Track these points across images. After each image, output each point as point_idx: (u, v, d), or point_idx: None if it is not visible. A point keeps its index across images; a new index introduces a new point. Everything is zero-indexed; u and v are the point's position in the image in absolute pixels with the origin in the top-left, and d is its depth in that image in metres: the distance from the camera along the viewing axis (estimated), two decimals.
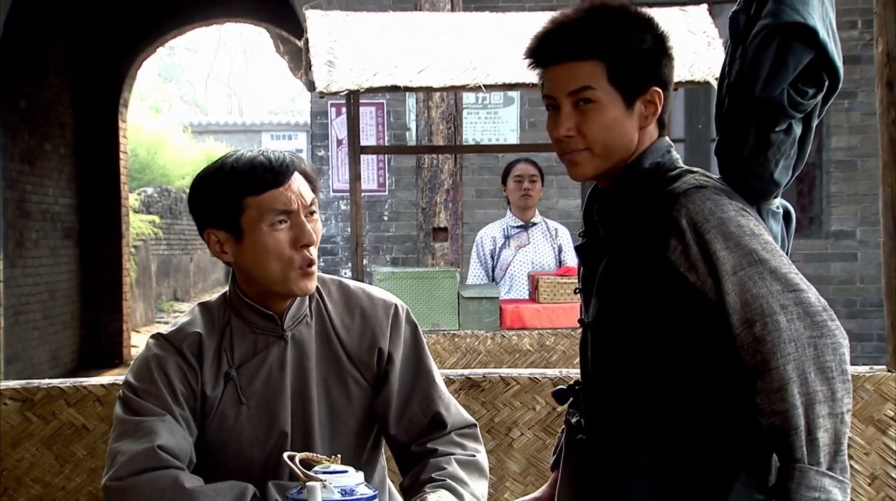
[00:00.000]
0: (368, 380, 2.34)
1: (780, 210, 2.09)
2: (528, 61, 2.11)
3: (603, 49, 2.00)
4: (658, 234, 1.95)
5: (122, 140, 13.33)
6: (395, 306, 2.39)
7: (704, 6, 5.55)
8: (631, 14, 2.04)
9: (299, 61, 12.47)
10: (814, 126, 2.06)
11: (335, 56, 5.11)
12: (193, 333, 2.30)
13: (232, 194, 2.20)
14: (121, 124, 13.33)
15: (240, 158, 2.23)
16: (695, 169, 2.04)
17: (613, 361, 2.07)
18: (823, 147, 8.88)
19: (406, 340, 2.37)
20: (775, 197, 2.06)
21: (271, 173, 2.19)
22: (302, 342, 2.31)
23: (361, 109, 7.16)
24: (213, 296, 2.42)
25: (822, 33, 1.96)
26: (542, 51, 2.07)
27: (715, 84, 4.77)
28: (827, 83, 2.03)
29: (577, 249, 2.20)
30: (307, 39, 5.29)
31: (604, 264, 2.07)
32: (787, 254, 2.06)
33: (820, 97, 2.03)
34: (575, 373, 3.22)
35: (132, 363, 2.33)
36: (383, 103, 8.94)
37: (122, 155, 13.30)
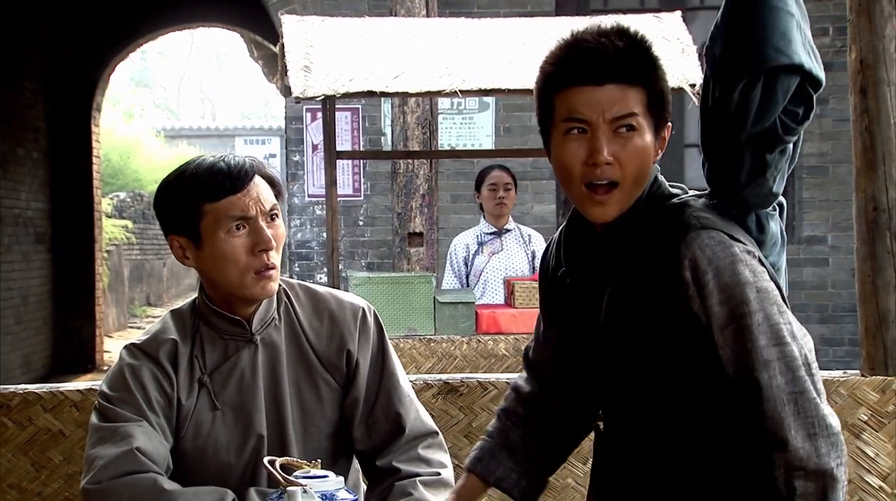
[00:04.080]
0: (339, 382, 2.35)
1: (776, 211, 2.05)
2: (550, 77, 1.97)
3: (649, 77, 1.93)
4: (665, 279, 1.89)
5: (95, 145, 13.25)
6: (363, 309, 2.41)
7: (678, 13, 5.58)
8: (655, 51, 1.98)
9: (274, 66, 12.45)
10: (802, 131, 2.02)
11: (311, 61, 5.11)
12: (168, 340, 2.30)
13: (191, 201, 2.22)
14: (94, 129, 13.25)
15: (200, 165, 2.24)
16: (690, 201, 1.99)
17: (635, 397, 2.02)
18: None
19: (373, 343, 2.39)
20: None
21: (229, 180, 2.20)
22: (272, 346, 2.32)
23: (337, 114, 7.16)
24: (184, 302, 2.43)
25: (807, 62, 1.91)
26: (581, 69, 1.93)
27: (689, 90, 4.80)
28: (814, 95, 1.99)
29: (562, 275, 2.13)
30: (283, 45, 5.28)
31: (608, 297, 2.00)
32: (783, 243, 2.06)
33: (812, 114, 1.99)
34: None
35: (107, 373, 2.33)
36: (359, 108, 8.94)
37: (95, 160, 13.22)
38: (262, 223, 2.22)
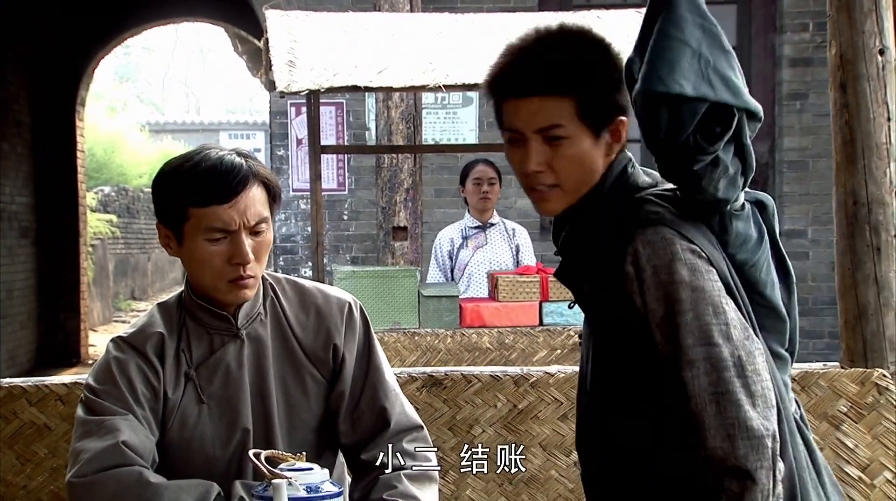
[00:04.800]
0: (325, 376, 2.35)
1: (745, 210, 2.05)
2: (489, 87, 2.02)
3: (575, 86, 1.94)
4: (613, 273, 1.95)
5: (79, 139, 13.20)
6: (349, 303, 2.41)
7: None
8: (598, 45, 1.99)
9: (258, 61, 12.41)
10: (748, 141, 2.00)
11: (295, 56, 5.09)
12: (155, 333, 2.30)
13: (179, 200, 2.21)
14: (78, 123, 13.20)
15: (200, 162, 2.21)
16: (656, 192, 2.01)
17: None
18: (776, 148, 8.98)
19: (359, 337, 2.39)
20: (735, 201, 2.01)
21: (218, 191, 2.18)
22: (258, 340, 2.32)
23: (321, 108, 7.14)
24: (170, 296, 2.42)
25: (696, 90, 1.90)
26: (505, 83, 1.99)
27: None
28: (740, 116, 1.96)
29: (556, 274, 2.16)
30: (267, 39, 5.27)
31: (578, 287, 2.07)
32: (770, 241, 2.07)
33: (730, 133, 1.95)
34: (536, 371, 3.24)
35: (93, 366, 2.32)
36: (343, 103, 8.92)
37: (79, 154, 13.17)
38: (244, 237, 2.20)
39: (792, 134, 8.83)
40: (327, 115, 8.81)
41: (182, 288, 2.38)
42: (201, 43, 39.54)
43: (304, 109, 8.47)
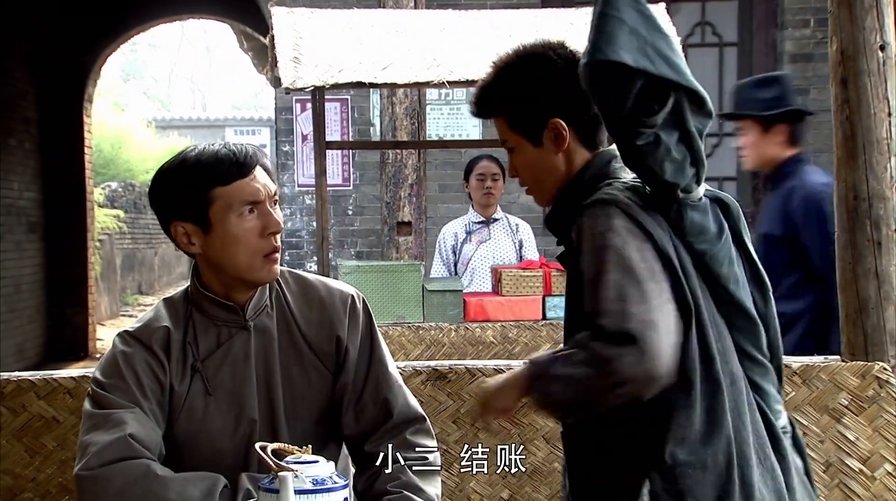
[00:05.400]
0: (329, 368, 2.36)
1: (703, 202, 2.18)
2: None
3: (501, 106, 2.31)
4: (568, 242, 2.22)
5: (86, 135, 13.20)
6: (352, 296, 2.42)
7: (662, 4, 5.57)
8: (528, 63, 2.28)
9: (264, 57, 12.41)
10: (694, 131, 2.12)
11: (301, 53, 5.09)
12: (161, 327, 2.30)
13: (199, 187, 2.22)
14: (85, 120, 13.21)
15: (203, 152, 2.25)
16: (625, 183, 2.20)
17: None
18: None
19: (362, 330, 2.40)
20: (687, 192, 2.14)
21: (237, 166, 2.22)
22: (265, 332, 2.33)
23: (326, 104, 7.14)
24: (176, 291, 2.43)
25: (636, 62, 2.05)
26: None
27: None
28: (678, 96, 2.09)
29: (558, 258, 2.35)
30: (272, 36, 5.27)
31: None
32: (737, 244, 2.21)
33: (667, 110, 2.09)
34: None
35: (100, 360, 2.33)
36: (348, 99, 8.92)
37: (86, 150, 13.18)
38: (269, 207, 2.25)
39: None
40: (332, 111, 8.81)
41: (188, 284, 2.38)
42: (207, 40, 39.55)
43: (309, 105, 8.48)
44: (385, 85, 5.24)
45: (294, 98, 8.80)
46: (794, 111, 4.34)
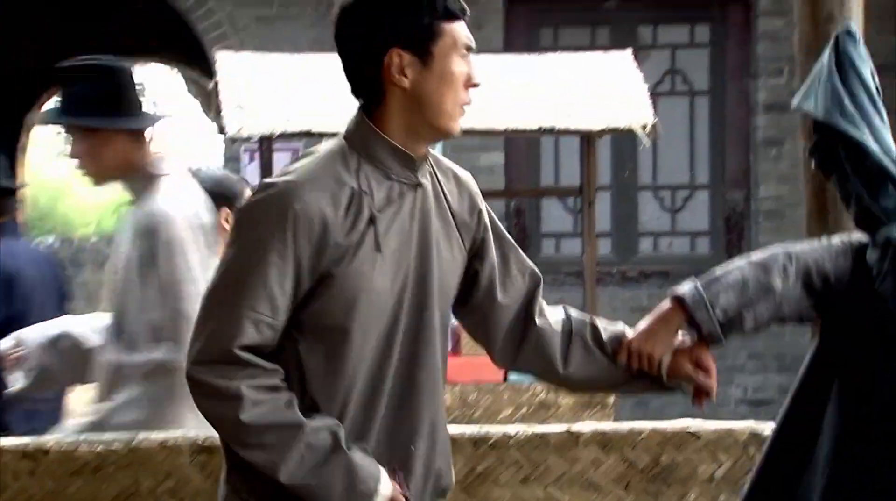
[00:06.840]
0: (466, 245, 2.40)
1: None
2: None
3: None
4: None
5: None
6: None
7: (629, 51, 5.64)
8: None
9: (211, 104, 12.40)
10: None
11: (247, 99, 5.10)
12: (326, 178, 2.25)
13: (431, 15, 2.24)
14: (19, 170, 13.11)
15: None
16: None
17: None
18: (752, 196, 9.00)
19: (486, 206, 2.49)
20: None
21: (461, 7, 2.28)
22: (427, 196, 2.32)
23: (276, 154, 7.11)
24: (322, 144, 2.37)
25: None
26: None
27: (639, 131, 4.84)
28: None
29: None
30: (216, 82, 5.27)
31: None
32: None
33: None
34: (495, 431, 3.22)
35: (247, 204, 2.30)
36: (299, 148, 8.90)
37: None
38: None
39: (768, 181, 8.87)
40: (282, 160, 8.73)
41: (340, 137, 2.34)
42: (153, 87, 39.52)
43: (257, 155, 8.45)
44: (336, 134, 5.23)
45: (242, 147, 8.78)
46: None
